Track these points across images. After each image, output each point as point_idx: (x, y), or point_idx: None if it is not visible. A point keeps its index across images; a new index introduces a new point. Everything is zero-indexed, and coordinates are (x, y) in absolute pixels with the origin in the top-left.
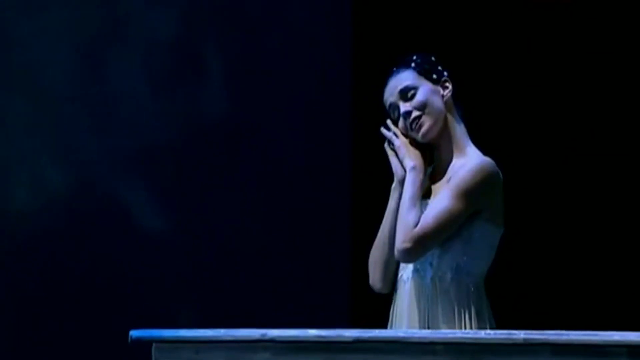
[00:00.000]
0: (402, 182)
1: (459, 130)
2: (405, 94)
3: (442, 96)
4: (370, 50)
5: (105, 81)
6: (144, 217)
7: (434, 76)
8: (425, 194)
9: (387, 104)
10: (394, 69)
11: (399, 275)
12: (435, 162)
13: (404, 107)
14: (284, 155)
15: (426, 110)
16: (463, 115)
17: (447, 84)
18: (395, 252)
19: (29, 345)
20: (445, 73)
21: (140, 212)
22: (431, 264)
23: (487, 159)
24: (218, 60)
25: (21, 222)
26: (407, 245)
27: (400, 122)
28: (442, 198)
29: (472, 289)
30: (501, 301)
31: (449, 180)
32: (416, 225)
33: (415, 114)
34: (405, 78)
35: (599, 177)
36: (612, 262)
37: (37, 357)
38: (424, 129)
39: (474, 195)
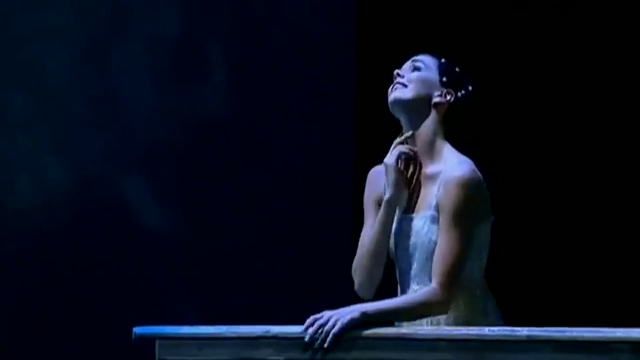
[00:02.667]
0: (396, 197)
1: (440, 135)
2: (413, 65)
3: (437, 96)
4: (373, 48)
5: (108, 78)
6: (146, 214)
7: (445, 79)
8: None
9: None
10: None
11: (401, 288)
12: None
13: (403, 70)
14: (287, 153)
15: (411, 86)
16: (448, 132)
17: (448, 96)
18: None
19: (32, 342)
20: (459, 90)
21: (143, 209)
22: (430, 279)
23: (468, 168)
24: (221, 57)
25: (23, 219)
26: (442, 299)
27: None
28: (443, 233)
29: (478, 292)
30: (504, 298)
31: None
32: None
33: (401, 80)
34: (425, 58)
35: (602, 176)
36: (614, 259)
37: (40, 354)
38: (396, 94)
39: (471, 215)
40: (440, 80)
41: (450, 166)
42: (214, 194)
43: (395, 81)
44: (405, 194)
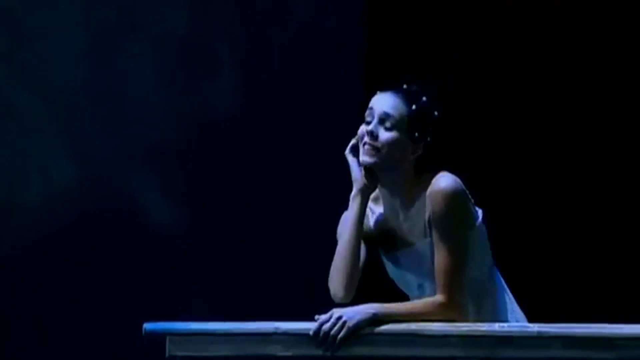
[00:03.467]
0: (362, 191)
1: (414, 175)
2: (384, 120)
3: (409, 153)
4: (381, 48)
5: (115, 76)
6: (154, 211)
7: (417, 134)
8: (410, 234)
9: (370, 105)
10: (400, 88)
11: (412, 294)
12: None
13: (375, 126)
14: (294, 150)
15: (383, 151)
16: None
17: (418, 150)
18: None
19: (41, 340)
20: (429, 135)
21: (151, 206)
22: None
23: (448, 178)
24: (228, 55)
25: (31, 217)
26: (449, 311)
27: (362, 129)
28: (438, 247)
29: (486, 292)
30: (513, 295)
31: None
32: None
33: (374, 143)
34: (396, 112)
35: (609, 174)
36: (623, 255)
37: (49, 351)
38: (368, 159)
39: (461, 223)
40: (412, 137)
41: (433, 184)
42: (223, 191)
43: (366, 139)
44: (371, 187)
